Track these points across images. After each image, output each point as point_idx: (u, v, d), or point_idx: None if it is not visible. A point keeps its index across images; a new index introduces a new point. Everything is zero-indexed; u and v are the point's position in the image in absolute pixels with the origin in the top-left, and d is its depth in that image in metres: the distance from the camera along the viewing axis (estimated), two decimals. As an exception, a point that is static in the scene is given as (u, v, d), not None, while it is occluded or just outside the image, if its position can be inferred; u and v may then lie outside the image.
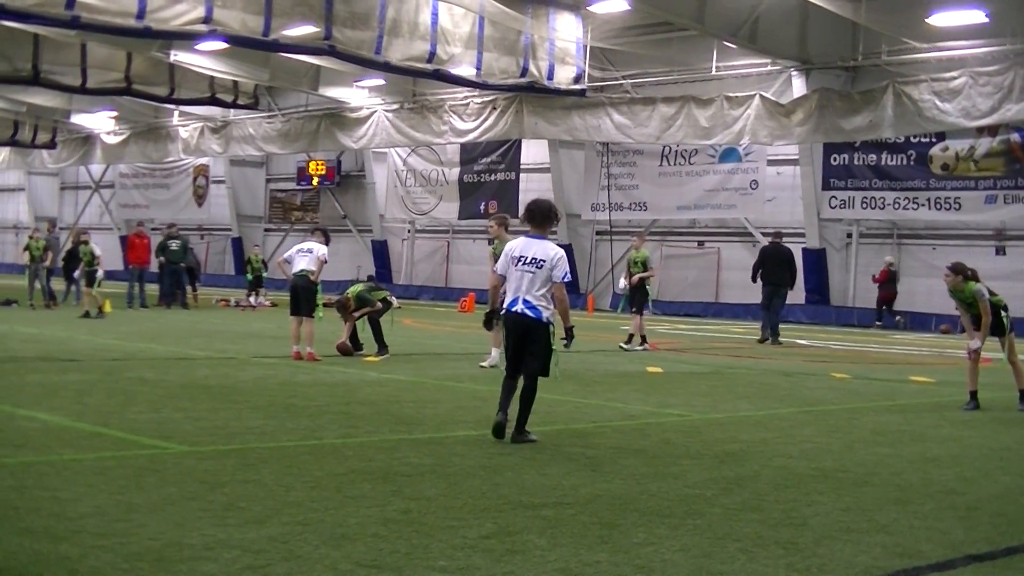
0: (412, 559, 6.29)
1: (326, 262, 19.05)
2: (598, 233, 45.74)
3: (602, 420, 12.57)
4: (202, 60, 40.71)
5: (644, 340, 24.08)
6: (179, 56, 39.91)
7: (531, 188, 47.09)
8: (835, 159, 38.66)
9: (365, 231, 54.73)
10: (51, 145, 62.73)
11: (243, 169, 61.14)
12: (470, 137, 44.13)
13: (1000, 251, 36.25)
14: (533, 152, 47.18)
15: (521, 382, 10.81)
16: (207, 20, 29.54)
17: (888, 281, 37.74)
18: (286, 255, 19.53)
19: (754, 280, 29.50)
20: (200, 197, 63.78)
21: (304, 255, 19.05)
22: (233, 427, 10.92)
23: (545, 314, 10.59)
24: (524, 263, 10.65)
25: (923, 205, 36.93)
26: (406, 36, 33.24)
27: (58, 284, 33.90)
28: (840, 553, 6.83)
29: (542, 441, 10.70)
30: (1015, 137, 35.17)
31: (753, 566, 6.45)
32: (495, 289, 11.47)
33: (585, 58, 38.05)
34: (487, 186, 48.76)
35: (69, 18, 28.14)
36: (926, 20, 32.65)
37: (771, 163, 40.38)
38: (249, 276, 38.59)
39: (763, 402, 14.99)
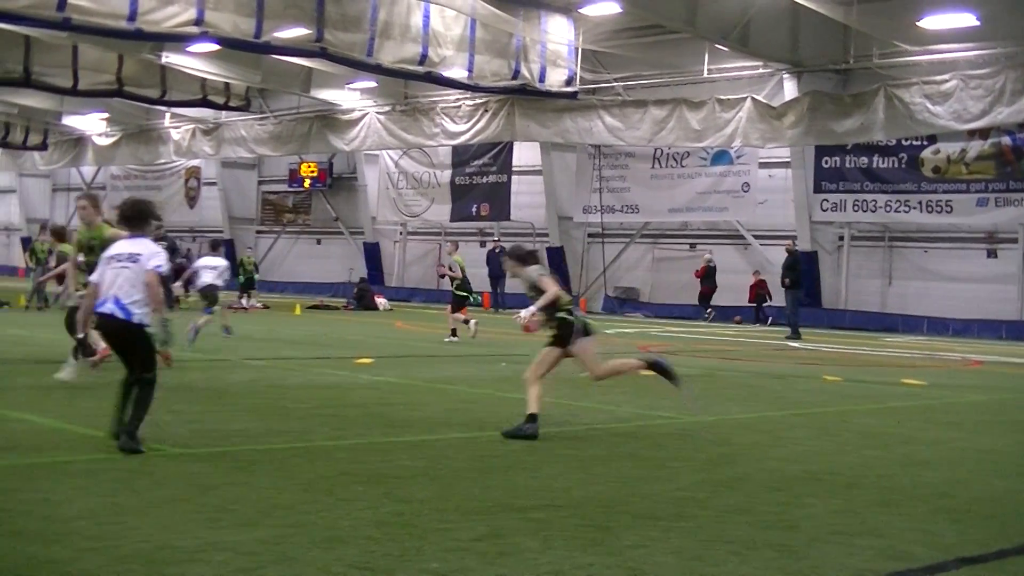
0: (404, 561, 6.28)
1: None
2: (590, 236, 45.75)
3: (593, 423, 12.56)
4: (194, 62, 40.73)
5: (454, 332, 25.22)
6: (170, 58, 39.93)
7: (523, 190, 47.16)
8: (827, 162, 38.72)
9: (357, 233, 54.72)
10: (42, 147, 62.73)
11: (235, 171, 61.09)
12: (462, 139, 44.17)
13: (991, 254, 36.34)
14: (525, 154, 47.18)
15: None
16: (199, 22, 29.56)
17: (707, 276, 40.27)
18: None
19: (784, 284, 32.31)
20: (192, 199, 63.73)
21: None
22: (224, 429, 10.91)
23: (137, 314, 9.50)
24: (119, 260, 9.67)
25: (914, 208, 36.99)
26: (397, 38, 33.29)
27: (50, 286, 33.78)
28: (831, 555, 6.83)
29: (534, 443, 10.68)
30: (1006, 140, 35.25)
31: (745, 568, 6.45)
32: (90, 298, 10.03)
33: (577, 61, 38.12)
34: (479, 188, 48.77)
35: (60, 20, 28.17)
36: (917, 23, 32.75)
37: (763, 166, 40.42)
38: (241, 278, 38.58)
39: (754, 404, 14.99)
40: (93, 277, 9.99)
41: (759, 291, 39.53)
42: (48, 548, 6.27)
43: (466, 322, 25.21)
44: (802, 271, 32.87)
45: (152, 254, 9.60)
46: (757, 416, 13.70)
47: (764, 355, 24.89)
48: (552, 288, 11.32)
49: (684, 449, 10.79)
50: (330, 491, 8.12)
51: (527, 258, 11.79)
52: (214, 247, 23.92)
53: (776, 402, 15.46)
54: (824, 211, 38.90)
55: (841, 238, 39.38)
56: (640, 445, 10.92)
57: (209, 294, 22.02)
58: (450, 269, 26.36)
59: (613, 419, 12.96)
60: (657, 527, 7.38)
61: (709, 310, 40.35)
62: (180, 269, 38.12)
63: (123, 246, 9.79)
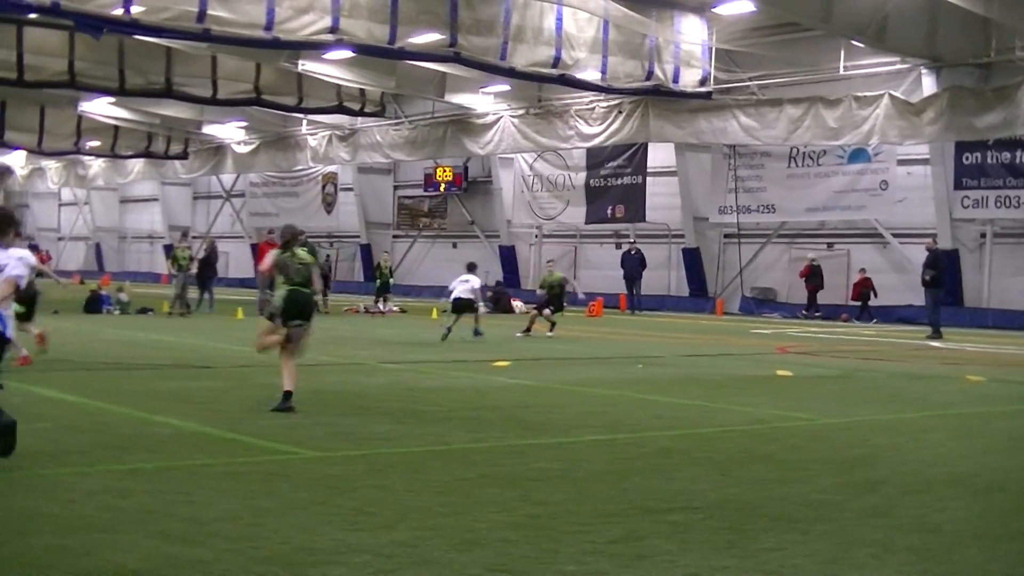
0: (540, 563, 6.30)
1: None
2: (726, 236, 45.40)
3: (730, 424, 12.48)
4: (329, 69, 41.16)
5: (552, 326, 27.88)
6: (307, 66, 40.39)
7: (658, 192, 46.93)
8: (967, 158, 37.90)
9: (492, 236, 54.93)
10: (183, 156, 63.87)
11: (371, 176, 61.68)
12: (596, 141, 44.07)
13: None
14: (660, 155, 46.96)
15: None
16: (334, 30, 29.89)
17: (811, 275, 41.05)
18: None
19: (924, 282, 31.86)
20: (329, 204, 64.48)
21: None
22: (362, 432, 11.03)
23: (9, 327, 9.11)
24: None
25: (1060, 204, 36.12)
26: (530, 42, 33.34)
27: (192, 292, 34.45)
28: (973, 560, 6.71)
29: (669, 445, 10.65)
30: None
31: (883, 572, 6.36)
32: None
33: (711, 60, 37.84)
34: (614, 190, 48.66)
35: (200, 31, 28.67)
36: (1061, 14, 31.96)
37: (901, 163, 39.75)
38: (377, 282, 38.94)
39: (893, 406, 14.77)
40: None
41: (863, 288, 39.71)
42: (191, 548, 6.39)
43: (528, 330, 27.78)
44: (944, 269, 32.25)
45: (16, 262, 9.24)
46: (896, 417, 13.50)
47: (904, 355, 24.49)
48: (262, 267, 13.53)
49: (822, 451, 10.67)
50: (466, 494, 8.17)
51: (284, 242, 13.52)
52: (470, 268, 27.02)
53: (916, 403, 15.22)
54: (965, 208, 38.09)
55: (983, 235, 38.53)
56: (777, 447, 10.83)
57: (458, 305, 25.63)
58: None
59: (749, 421, 12.86)
60: (795, 530, 7.32)
61: (817, 312, 40.58)
62: (325, 276, 38.71)
63: None
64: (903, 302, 38.94)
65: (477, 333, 25.37)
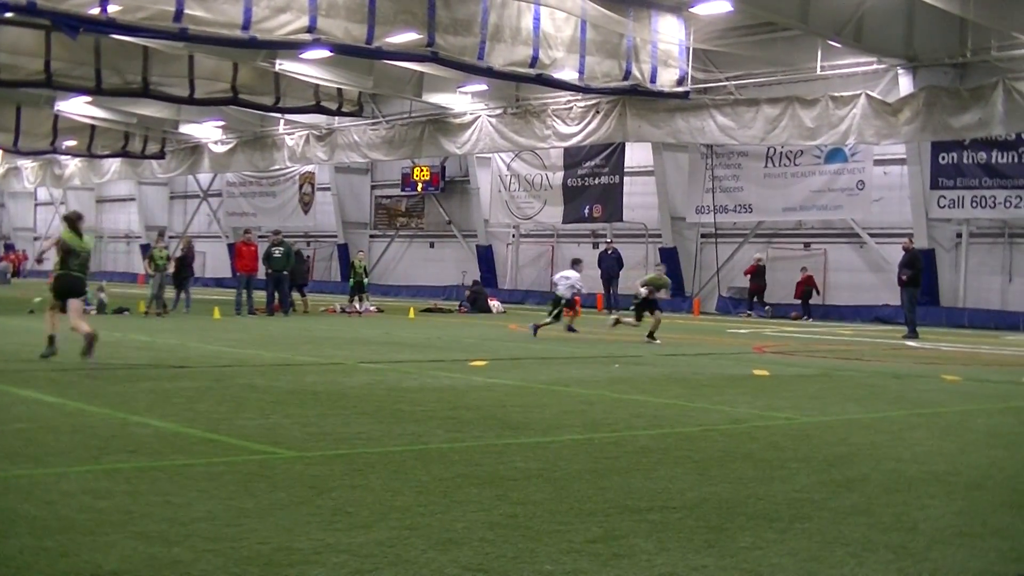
0: (519, 563, 6.29)
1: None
2: (703, 236, 45.50)
3: (709, 424, 12.48)
4: (307, 69, 41.13)
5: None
6: (284, 65, 40.35)
7: (636, 191, 47.05)
8: (943, 158, 38.06)
9: (470, 236, 54.94)
10: (160, 155, 63.77)
11: (348, 176, 61.66)
12: (573, 141, 44.10)
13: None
14: (637, 155, 47.07)
15: None
16: (311, 29, 29.87)
17: (756, 274, 41.82)
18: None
19: (900, 282, 31.94)
20: (306, 204, 64.41)
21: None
22: (341, 432, 11.00)
23: None
24: None
25: (1036, 203, 36.28)
26: (508, 41, 33.36)
27: (168, 292, 34.34)
28: (952, 558, 6.72)
29: (648, 444, 10.65)
30: None
31: (862, 571, 6.37)
32: None
33: (688, 60, 37.91)
34: (591, 190, 48.73)
35: (177, 31, 28.61)
36: (1036, 14, 32.08)
37: (878, 163, 39.90)
38: (351, 281, 38.89)
39: (872, 404, 14.80)
40: None
41: (806, 287, 40.80)
42: (170, 549, 6.37)
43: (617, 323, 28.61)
44: (920, 269, 32.34)
45: None
46: (876, 416, 13.53)
47: (881, 354, 24.55)
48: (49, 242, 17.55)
49: (801, 450, 10.68)
50: (445, 493, 8.16)
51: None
52: (574, 263, 29.76)
53: (895, 402, 15.24)
54: (941, 208, 38.25)
55: (959, 235, 38.71)
56: (757, 446, 10.84)
57: (558, 301, 27.69)
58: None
59: (729, 420, 12.86)
60: (773, 528, 7.32)
61: (767, 307, 41.58)
62: (303, 283, 38.67)
63: None
64: (879, 301, 39.10)
65: (570, 328, 28.15)
